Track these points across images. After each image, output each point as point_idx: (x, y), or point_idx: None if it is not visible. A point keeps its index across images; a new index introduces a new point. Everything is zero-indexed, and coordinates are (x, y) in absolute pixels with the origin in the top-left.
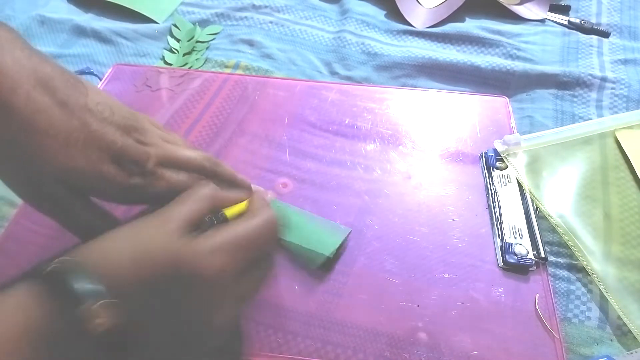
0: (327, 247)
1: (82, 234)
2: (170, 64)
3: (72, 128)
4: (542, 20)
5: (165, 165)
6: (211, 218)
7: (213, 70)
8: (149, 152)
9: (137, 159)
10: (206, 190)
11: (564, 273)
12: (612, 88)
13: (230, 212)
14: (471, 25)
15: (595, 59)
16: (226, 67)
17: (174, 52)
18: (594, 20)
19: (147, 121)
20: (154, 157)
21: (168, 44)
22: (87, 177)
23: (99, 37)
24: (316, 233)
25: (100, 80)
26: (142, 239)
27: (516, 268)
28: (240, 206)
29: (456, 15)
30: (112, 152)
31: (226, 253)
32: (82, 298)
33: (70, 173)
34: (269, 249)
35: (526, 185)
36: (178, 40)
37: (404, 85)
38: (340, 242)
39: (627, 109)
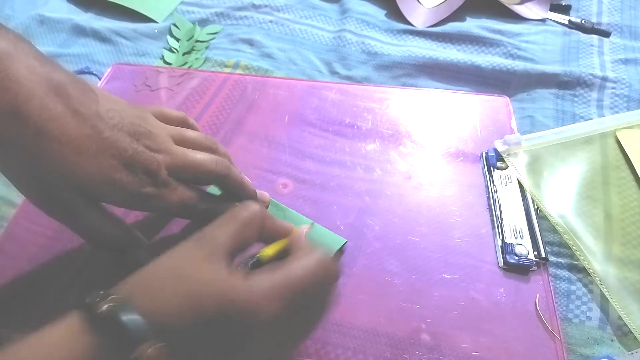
0: None
1: (93, 240)
2: (170, 64)
3: (84, 135)
4: (543, 20)
5: (176, 171)
6: (247, 263)
7: (213, 69)
8: (158, 160)
9: (149, 167)
10: (251, 214)
11: (565, 273)
12: (613, 88)
13: (269, 250)
14: (472, 25)
15: (596, 59)
16: (226, 66)
17: (173, 52)
18: (594, 19)
19: (154, 119)
20: (164, 166)
21: (167, 43)
22: (99, 184)
23: (99, 36)
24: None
25: (100, 79)
26: (190, 276)
27: (517, 268)
28: (281, 244)
29: (457, 15)
30: (124, 159)
31: (282, 297)
32: (136, 341)
33: (82, 180)
34: (326, 289)
35: (527, 185)
36: (178, 40)
37: (404, 84)
38: (335, 252)
39: (628, 109)
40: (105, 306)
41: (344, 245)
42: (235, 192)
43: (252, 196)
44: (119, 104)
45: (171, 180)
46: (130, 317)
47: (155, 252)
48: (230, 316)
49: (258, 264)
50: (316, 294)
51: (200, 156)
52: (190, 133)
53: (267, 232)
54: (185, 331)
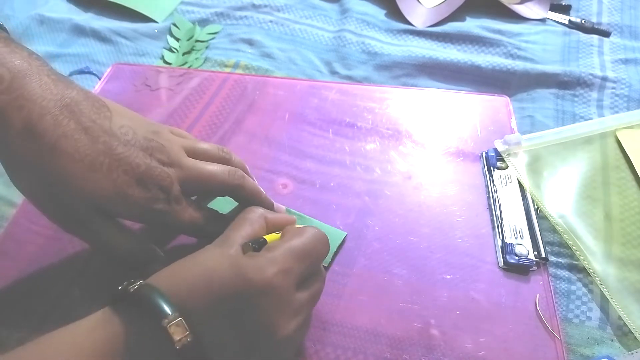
0: None
1: (112, 255)
2: (170, 64)
3: (97, 152)
4: (543, 20)
5: (190, 184)
6: (253, 244)
7: (213, 69)
8: (171, 175)
9: (161, 183)
10: (257, 215)
11: (565, 273)
12: (613, 88)
13: (269, 238)
14: (472, 25)
15: (596, 59)
16: (226, 66)
17: (173, 52)
18: (594, 19)
19: (168, 134)
20: (177, 180)
21: (167, 43)
22: (113, 200)
23: (99, 36)
24: None
25: (100, 79)
26: (209, 262)
27: (517, 268)
28: (278, 235)
29: (457, 15)
30: (137, 175)
31: (285, 261)
32: (165, 315)
33: (96, 196)
34: (320, 261)
35: (527, 185)
36: (177, 40)
37: (404, 84)
38: (334, 250)
39: (628, 109)
40: (133, 288)
41: (344, 238)
42: (250, 203)
43: (268, 207)
44: (133, 120)
45: (182, 198)
46: (155, 295)
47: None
48: (244, 285)
49: (264, 244)
50: (314, 262)
51: (212, 167)
52: (202, 144)
53: (272, 226)
54: (208, 308)
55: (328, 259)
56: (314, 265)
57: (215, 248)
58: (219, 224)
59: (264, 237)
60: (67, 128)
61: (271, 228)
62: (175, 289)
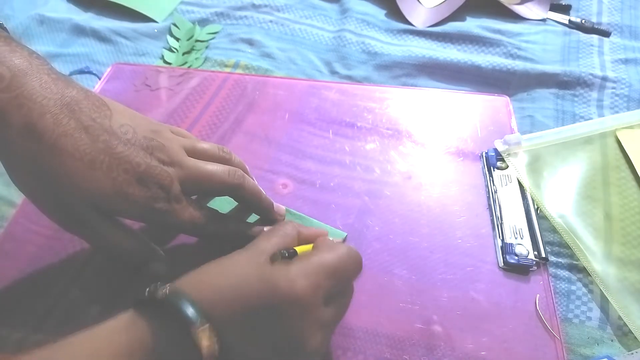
0: None
1: (112, 254)
2: (170, 63)
3: (98, 151)
4: (543, 20)
5: (189, 184)
6: (284, 252)
7: (213, 69)
8: (171, 174)
9: (161, 182)
10: (290, 227)
11: (565, 273)
12: (613, 87)
13: (300, 249)
14: (472, 25)
15: (596, 59)
16: (226, 66)
17: (173, 51)
18: (594, 19)
19: (168, 133)
20: (177, 179)
21: (167, 43)
22: (113, 198)
23: (98, 36)
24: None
25: (100, 79)
26: (237, 270)
27: (517, 268)
28: (309, 247)
29: (457, 15)
30: (137, 174)
31: (316, 276)
32: (193, 322)
33: (96, 195)
34: (350, 280)
35: (527, 185)
36: (177, 40)
37: (404, 84)
38: None
39: (628, 109)
40: (162, 292)
41: (345, 239)
42: (250, 203)
43: (268, 208)
44: (133, 119)
45: (182, 197)
46: (184, 302)
47: (171, 264)
48: (273, 295)
49: (295, 255)
50: (345, 278)
51: (212, 167)
52: (202, 144)
53: (304, 239)
54: (236, 316)
55: None
56: (343, 282)
57: (244, 255)
58: (219, 224)
59: (295, 248)
60: (67, 127)
61: (303, 241)
62: (203, 295)
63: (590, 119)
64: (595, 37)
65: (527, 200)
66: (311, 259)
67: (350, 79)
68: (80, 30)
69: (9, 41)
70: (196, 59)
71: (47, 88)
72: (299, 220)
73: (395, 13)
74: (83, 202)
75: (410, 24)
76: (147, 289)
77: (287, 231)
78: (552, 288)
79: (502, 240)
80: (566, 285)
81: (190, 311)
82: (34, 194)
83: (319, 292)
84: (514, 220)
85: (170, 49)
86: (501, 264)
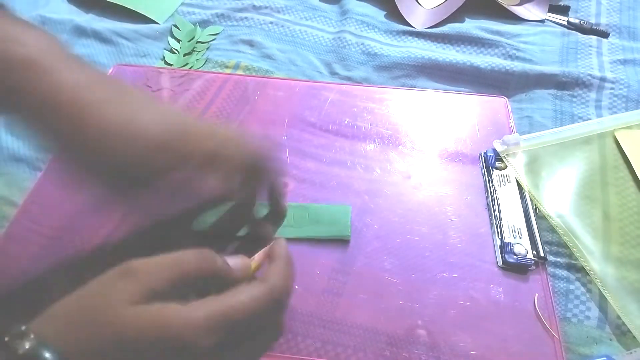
0: (342, 230)
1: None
2: (171, 65)
3: (124, 122)
4: (542, 21)
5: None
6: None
7: (213, 70)
8: (193, 146)
9: (183, 152)
10: (199, 267)
11: (563, 273)
12: (611, 88)
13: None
14: (471, 26)
15: (594, 59)
16: (226, 67)
17: (174, 53)
18: (593, 20)
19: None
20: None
21: (168, 44)
22: (138, 168)
23: (100, 37)
24: (324, 221)
25: None
26: (114, 315)
27: (515, 268)
28: (261, 258)
29: (456, 16)
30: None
31: (219, 325)
32: None
33: (122, 164)
34: (273, 320)
35: (525, 185)
36: (178, 41)
37: (403, 85)
38: (348, 224)
39: (626, 109)
40: (26, 346)
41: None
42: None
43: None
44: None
45: (200, 170)
46: (49, 358)
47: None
48: (166, 347)
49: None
50: (260, 323)
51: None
52: None
53: (218, 275)
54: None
55: (347, 233)
56: (264, 323)
57: (122, 288)
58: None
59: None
60: (93, 98)
61: (218, 278)
62: (74, 349)
63: (589, 119)
64: (593, 38)
65: (525, 200)
66: (217, 301)
67: (350, 79)
68: (81, 32)
69: (28, 25)
70: (197, 60)
71: (69, 68)
72: (302, 210)
73: (395, 14)
74: (111, 171)
75: (409, 25)
76: (7, 337)
77: (191, 267)
78: (550, 287)
79: (501, 239)
80: (565, 284)
81: None
82: (67, 166)
83: (224, 342)
84: (512, 220)
85: (171, 50)
86: (500, 263)
